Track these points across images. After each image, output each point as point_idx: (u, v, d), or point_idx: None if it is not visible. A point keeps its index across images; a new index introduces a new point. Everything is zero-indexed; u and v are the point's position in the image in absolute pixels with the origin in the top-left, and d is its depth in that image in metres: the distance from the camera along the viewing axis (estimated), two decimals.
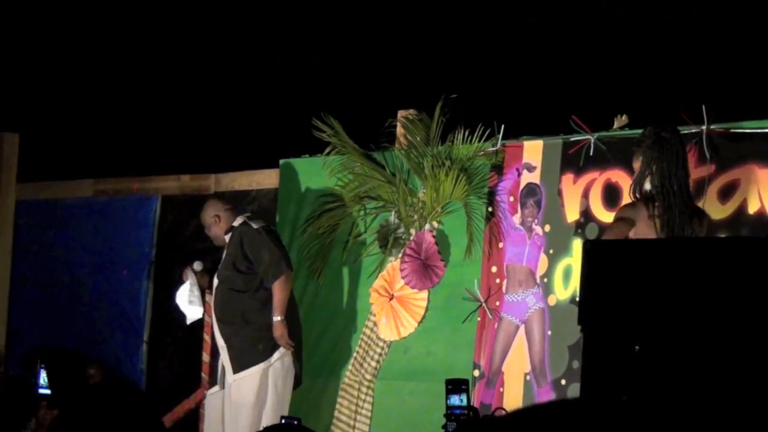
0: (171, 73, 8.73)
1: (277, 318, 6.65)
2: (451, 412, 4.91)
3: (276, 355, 6.69)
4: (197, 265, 6.97)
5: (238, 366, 6.67)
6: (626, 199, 5.85)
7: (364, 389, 6.90)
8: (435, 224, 6.81)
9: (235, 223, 6.85)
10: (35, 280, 8.33)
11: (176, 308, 7.04)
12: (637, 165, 5.60)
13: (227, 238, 6.83)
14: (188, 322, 7.05)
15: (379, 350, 6.91)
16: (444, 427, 5.03)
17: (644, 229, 5.41)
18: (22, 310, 8.32)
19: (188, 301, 6.94)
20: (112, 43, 8.72)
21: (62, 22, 8.68)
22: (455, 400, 4.91)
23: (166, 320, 7.68)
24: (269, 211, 7.54)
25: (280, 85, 8.41)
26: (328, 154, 7.11)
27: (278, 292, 6.66)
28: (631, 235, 5.39)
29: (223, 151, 8.27)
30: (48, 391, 6.60)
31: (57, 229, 8.28)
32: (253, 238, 6.74)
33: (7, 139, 8.21)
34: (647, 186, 5.53)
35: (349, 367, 6.98)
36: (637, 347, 3.65)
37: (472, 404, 5.08)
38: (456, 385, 4.93)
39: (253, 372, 6.65)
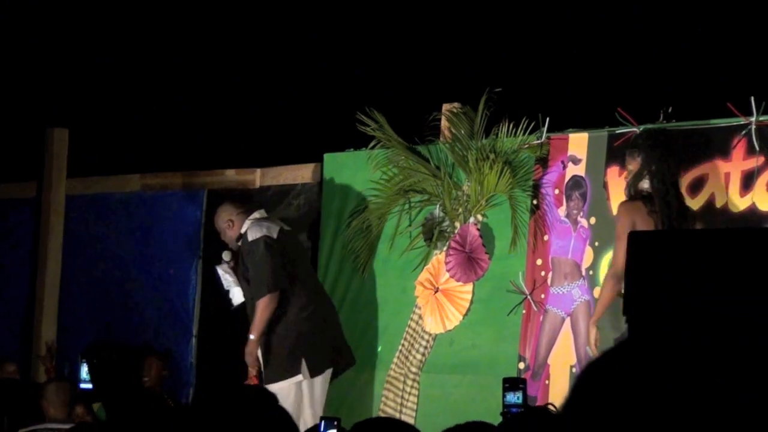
0: (216, 69, 8.78)
1: (250, 337, 6.63)
2: (507, 410, 4.92)
3: (304, 365, 6.67)
4: (225, 255, 7.01)
5: (268, 378, 6.68)
6: None
7: (409, 382, 6.92)
8: (479, 217, 6.81)
9: (243, 230, 6.82)
10: (86, 275, 8.39)
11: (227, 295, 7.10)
12: (632, 165, 5.91)
13: (239, 244, 6.86)
14: (234, 305, 7.07)
15: (424, 343, 6.92)
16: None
17: (643, 226, 5.72)
18: (73, 306, 8.37)
19: (227, 287, 7.00)
20: (159, 38, 8.78)
21: (109, 18, 8.76)
22: (512, 398, 4.94)
23: (215, 314, 7.73)
24: (314, 205, 7.58)
25: (324, 79, 8.42)
26: (372, 147, 7.13)
27: (258, 311, 6.62)
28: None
29: (268, 145, 8.30)
30: (89, 386, 6.65)
31: (106, 224, 8.34)
32: (248, 251, 6.72)
33: (56, 134, 8.27)
34: (644, 184, 5.85)
35: (395, 359, 6.99)
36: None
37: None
38: (513, 384, 4.96)
39: (285, 386, 6.58)
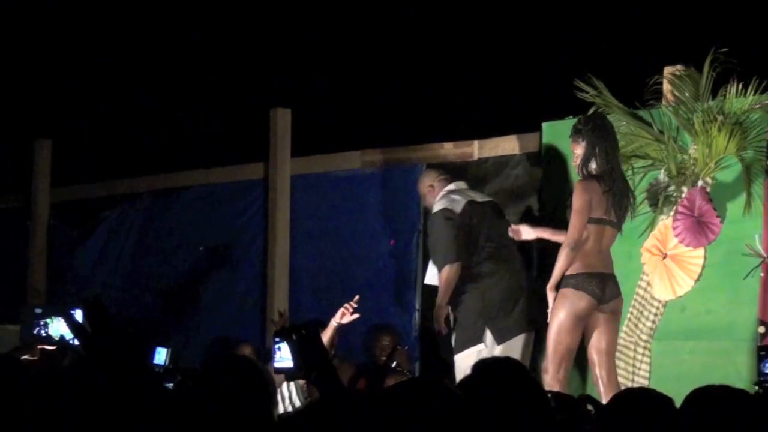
0: (431, 43, 8.83)
1: (438, 302, 6.84)
2: (764, 379, 4.76)
3: (488, 334, 6.72)
4: None
5: (456, 348, 6.77)
6: None
7: (640, 350, 6.84)
8: (708, 180, 6.66)
9: (437, 198, 7.02)
10: (310, 254, 8.56)
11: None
12: (578, 149, 6.38)
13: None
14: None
15: (654, 310, 6.83)
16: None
17: (597, 204, 6.28)
18: (300, 283, 8.49)
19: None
20: (376, 15, 8.89)
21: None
22: None
23: (437, 287, 7.78)
24: (533, 174, 7.55)
25: (540, 46, 8.37)
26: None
27: (441, 281, 6.85)
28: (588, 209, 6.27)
29: (486, 116, 8.31)
30: (287, 365, 6.73)
31: (328, 202, 8.49)
32: (430, 223, 6.97)
33: (280, 114, 8.40)
34: (593, 165, 6.33)
35: (624, 328, 6.91)
36: None
37: None
38: None
39: (467, 354, 6.69)
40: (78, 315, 2.97)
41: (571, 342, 6.25)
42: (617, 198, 6.32)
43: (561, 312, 6.24)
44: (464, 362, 6.64)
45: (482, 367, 3.35)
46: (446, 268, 6.82)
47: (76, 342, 2.81)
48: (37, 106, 9.86)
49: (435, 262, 6.93)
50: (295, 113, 8.45)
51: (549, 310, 6.31)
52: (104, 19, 9.39)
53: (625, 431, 3.22)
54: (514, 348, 6.75)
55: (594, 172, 6.33)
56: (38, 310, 5.51)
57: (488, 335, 6.78)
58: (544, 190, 7.41)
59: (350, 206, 8.35)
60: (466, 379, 3.29)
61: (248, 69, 9.20)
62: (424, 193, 7.14)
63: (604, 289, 6.30)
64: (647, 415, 3.28)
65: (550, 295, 6.29)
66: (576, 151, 6.42)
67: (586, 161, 6.35)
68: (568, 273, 6.27)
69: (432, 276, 7.11)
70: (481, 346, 6.72)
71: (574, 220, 6.26)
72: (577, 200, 6.29)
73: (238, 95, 9.26)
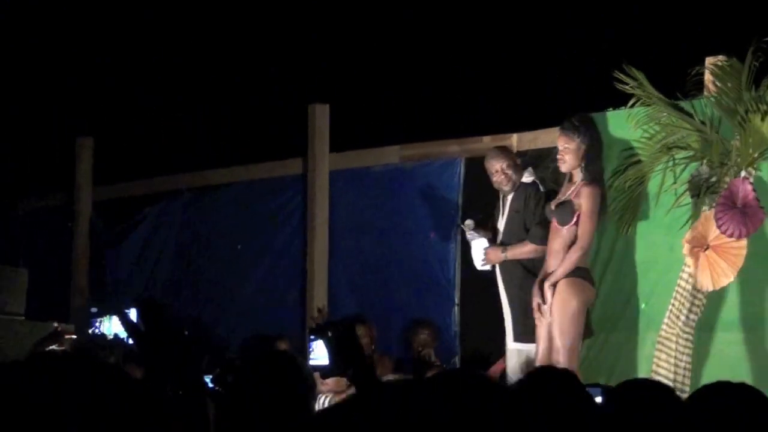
0: (470, 35, 8.83)
1: (504, 250, 6.92)
2: None
3: None
4: (469, 224, 7.13)
5: (517, 335, 6.74)
6: None
7: (682, 341, 6.77)
8: (752, 171, 6.60)
9: (527, 178, 6.99)
10: (348, 249, 8.57)
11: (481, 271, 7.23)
12: (570, 144, 6.51)
13: (512, 192, 7.04)
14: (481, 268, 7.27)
15: (696, 301, 6.76)
16: None
17: (600, 209, 6.48)
18: (339, 278, 8.53)
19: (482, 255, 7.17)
20: (414, 10, 8.90)
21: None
22: None
23: (476, 281, 7.78)
24: None
25: (579, 39, 8.34)
26: (632, 106, 7.01)
27: (526, 249, 6.90)
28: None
29: (524, 109, 8.29)
30: (320, 363, 6.72)
31: (366, 197, 8.50)
32: (539, 201, 6.96)
33: (318, 110, 8.45)
34: (591, 167, 6.49)
35: (665, 319, 6.86)
36: None
37: None
38: None
39: (533, 348, 6.67)
40: (132, 314, 3.00)
41: (581, 328, 6.42)
42: (605, 203, 6.57)
43: (573, 300, 6.39)
44: (527, 355, 6.70)
45: (535, 375, 3.34)
46: (537, 247, 6.90)
47: (131, 341, 2.84)
48: (78, 104, 9.95)
49: (535, 233, 6.94)
50: (333, 109, 8.48)
51: (548, 305, 6.42)
52: (142, 18, 9.46)
53: (623, 420, 3.18)
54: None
55: (595, 174, 6.55)
56: (93, 309, 5.60)
57: None
58: None
59: (389, 201, 8.37)
60: (517, 385, 3.30)
61: (286, 65, 9.23)
62: (502, 167, 7.10)
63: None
64: (645, 406, 3.21)
65: (548, 292, 6.42)
66: (565, 145, 6.58)
67: (584, 160, 6.52)
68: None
69: (477, 259, 7.15)
70: None
71: (588, 224, 6.45)
72: (592, 204, 6.46)
73: (277, 91, 9.29)
